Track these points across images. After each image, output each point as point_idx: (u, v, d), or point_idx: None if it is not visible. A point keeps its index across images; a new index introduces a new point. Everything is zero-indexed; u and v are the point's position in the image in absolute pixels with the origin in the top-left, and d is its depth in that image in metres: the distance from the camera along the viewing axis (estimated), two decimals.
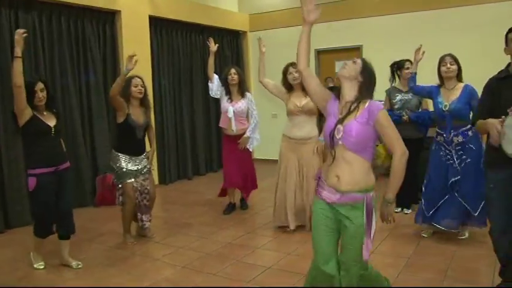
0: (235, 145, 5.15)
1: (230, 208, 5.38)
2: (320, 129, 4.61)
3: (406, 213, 5.00)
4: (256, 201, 5.57)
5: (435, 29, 6.93)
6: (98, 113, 6.08)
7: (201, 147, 7.87)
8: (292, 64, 4.44)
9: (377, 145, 7.78)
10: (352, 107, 2.33)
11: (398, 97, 4.97)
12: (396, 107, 4.94)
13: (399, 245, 4.10)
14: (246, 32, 8.89)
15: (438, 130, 4.15)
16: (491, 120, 2.63)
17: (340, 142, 2.30)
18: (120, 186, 4.28)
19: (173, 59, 7.34)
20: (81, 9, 5.85)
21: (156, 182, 6.28)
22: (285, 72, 4.53)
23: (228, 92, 5.14)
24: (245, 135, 5.15)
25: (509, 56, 2.88)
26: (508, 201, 2.76)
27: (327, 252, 2.41)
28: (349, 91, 2.38)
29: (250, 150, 5.29)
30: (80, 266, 3.77)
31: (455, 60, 4.04)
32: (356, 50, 7.86)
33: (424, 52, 4.44)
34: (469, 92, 3.96)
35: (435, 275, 3.41)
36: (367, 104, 2.32)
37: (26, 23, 5.18)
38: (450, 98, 3.97)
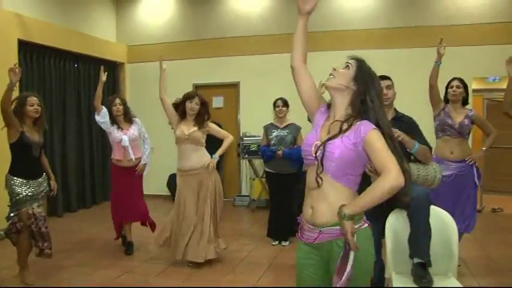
0: (130, 178, 4.97)
1: (131, 246, 5.10)
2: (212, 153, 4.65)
3: (284, 245, 5.22)
4: (134, 236, 5.35)
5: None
6: None
7: (73, 183, 7.37)
8: (197, 94, 4.60)
9: (253, 179, 8.00)
10: (344, 127, 1.91)
11: (275, 133, 5.23)
12: (272, 142, 5.20)
13: (280, 277, 4.26)
14: (123, 63, 8.69)
15: None
16: None
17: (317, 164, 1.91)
18: (13, 215, 3.91)
19: (44, 87, 6.86)
20: None
21: None
22: (186, 98, 4.56)
23: (115, 122, 4.97)
24: (142, 162, 5.05)
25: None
26: (377, 232, 3.05)
27: None
28: (340, 105, 1.99)
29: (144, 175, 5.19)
30: None
31: None
32: (234, 86, 8.16)
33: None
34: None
35: None
36: (357, 124, 1.90)
37: None
38: None
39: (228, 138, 4.71)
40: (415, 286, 2.73)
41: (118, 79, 8.66)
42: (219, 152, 4.66)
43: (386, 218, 2.99)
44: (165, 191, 8.02)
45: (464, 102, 4.24)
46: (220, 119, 8.16)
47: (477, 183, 4.21)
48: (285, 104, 5.25)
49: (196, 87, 8.40)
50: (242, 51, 8.06)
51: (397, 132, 2.94)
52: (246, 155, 7.43)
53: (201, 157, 4.55)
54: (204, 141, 4.60)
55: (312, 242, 1.96)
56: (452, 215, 3.84)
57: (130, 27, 8.78)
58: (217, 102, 8.41)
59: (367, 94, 1.93)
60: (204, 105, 4.58)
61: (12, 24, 6.15)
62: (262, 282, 4.13)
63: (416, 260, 2.82)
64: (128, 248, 5.08)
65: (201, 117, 4.56)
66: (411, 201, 2.83)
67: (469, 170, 4.14)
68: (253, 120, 7.04)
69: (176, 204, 4.61)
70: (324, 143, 1.90)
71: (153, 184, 7.17)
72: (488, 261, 4.58)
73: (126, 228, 5.13)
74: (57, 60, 7.15)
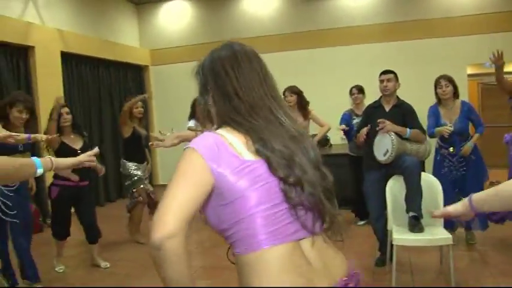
0: None
1: None
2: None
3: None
4: None
5: None
6: None
7: (111, 174, 8.18)
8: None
9: None
10: None
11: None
12: None
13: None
14: (148, 66, 9.53)
15: None
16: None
17: None
18: None
19: (83, 91, 7.76)
20: None
21: None
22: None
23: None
24: None
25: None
26: (380, 196, 3.83)
27: None
28: None
29: None
30: (107, 266, 4.44)
31: None
32: None
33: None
34: None
35: None
36: None
37: None
38: None
39: None
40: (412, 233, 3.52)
41: (143, 80, 9.51)
42: None
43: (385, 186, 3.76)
44: None
45: None
46: None
47: None
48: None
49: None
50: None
51: (386, 123, 3.70)
52: None
53: None
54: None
55: None
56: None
57: (152, 32, 9.60)
58: None
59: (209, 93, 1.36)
60: None
61: (56, 39, 7.02)
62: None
63: (411, 214, 3.60)
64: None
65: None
66: (405, 169, 3.64)
67: None
68: None
69: None
70: None
71: None
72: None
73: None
74: (93, 67, 8.04)
